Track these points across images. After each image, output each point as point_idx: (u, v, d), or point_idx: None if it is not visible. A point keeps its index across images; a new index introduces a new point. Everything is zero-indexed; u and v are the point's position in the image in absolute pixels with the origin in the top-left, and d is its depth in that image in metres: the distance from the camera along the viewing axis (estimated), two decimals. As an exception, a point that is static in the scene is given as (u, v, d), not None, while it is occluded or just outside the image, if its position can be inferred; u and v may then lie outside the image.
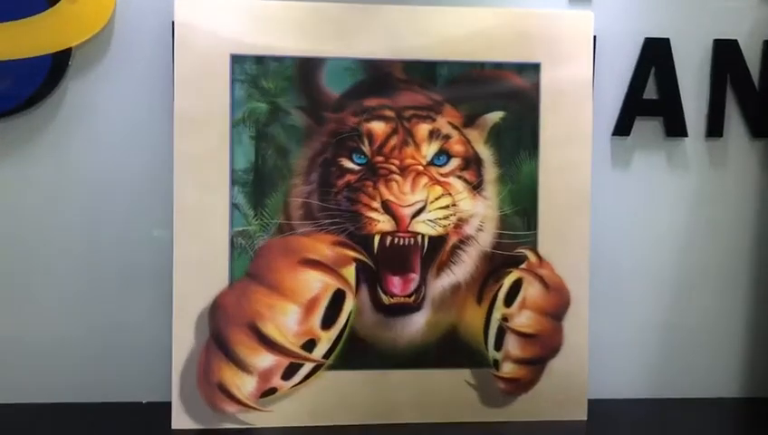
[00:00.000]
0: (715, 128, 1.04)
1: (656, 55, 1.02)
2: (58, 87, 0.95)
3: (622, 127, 1.02)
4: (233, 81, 0.93)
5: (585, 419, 0.99)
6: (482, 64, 0.96)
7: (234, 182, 0.93)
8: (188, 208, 0.93)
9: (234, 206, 0.94)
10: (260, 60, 0.93)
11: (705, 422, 1.01)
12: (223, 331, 0.93)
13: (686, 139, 1.04)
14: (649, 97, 1.02)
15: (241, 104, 0.93)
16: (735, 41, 1.03)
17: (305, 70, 0.93)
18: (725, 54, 1.03)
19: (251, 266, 0.93)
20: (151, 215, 0.98)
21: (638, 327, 1.06)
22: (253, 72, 0.93)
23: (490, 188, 0.97)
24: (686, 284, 1.06)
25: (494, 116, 0.96)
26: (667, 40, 1.01)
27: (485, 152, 0.96)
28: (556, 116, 0.97)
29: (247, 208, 0.93)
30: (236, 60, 0.93)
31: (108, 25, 0.95)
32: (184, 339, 0.93)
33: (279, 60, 0.93)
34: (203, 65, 0.93)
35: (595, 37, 0.99)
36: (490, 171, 0.97)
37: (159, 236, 0.97)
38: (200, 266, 0.93)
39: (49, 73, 0.94)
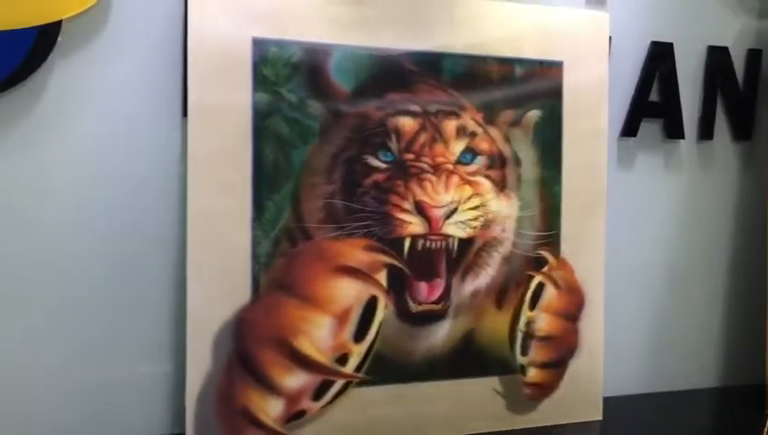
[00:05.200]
0: (706, 131, 1.08)
1: (660, 59, 1.04)
2: (42, 67, 0.79)
3: (630, 128, 1.04)
4: (255, 66, 0.83)
5: (600, 418, 0.99)
6: (502, 60, 0.93)
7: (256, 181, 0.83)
8: (204, 211, 0.81)
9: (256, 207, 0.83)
10: (257, 44, 0.82)
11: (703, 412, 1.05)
12: (250, 349, 0.83)
13: (681, 141, 1.07)
14: (653, 99, 1.04)
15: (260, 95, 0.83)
16: (726, 48, 1.07)
17: (311, 58, 0.84)
18: (717, 60, 1.07)
19: (280, 277, 0.84)
20: (157, 222, 0.85)
21: (631, 324, 1.08)
22: (272, 58, 0.83)
23: (513, 188, 0.94)
24: (677, 279, 1.09)
25: (517, 114, 0.93)
26: (671, 44, 1.04)
27: (508, 151, 0.93)
28: (577, 115, 0.96)
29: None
30: (257, 44, 0.83)
31: (104, -3, 0.81)
32: (200, 361, 0.81)
33: (278, 44, 0.83)
34: (222, 49, 0.82)
35: (610, 38, 0.99)
36: (513, 170, 0.94)
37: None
38: (217, 277, 0.82)
39: (32, 50, 0.79)
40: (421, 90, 0.89)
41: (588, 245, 0.98)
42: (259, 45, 0.83)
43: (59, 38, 0.80)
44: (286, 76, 0.84)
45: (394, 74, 0.88)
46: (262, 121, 0.83)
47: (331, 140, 0.86)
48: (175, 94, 0.84)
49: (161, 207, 0.85)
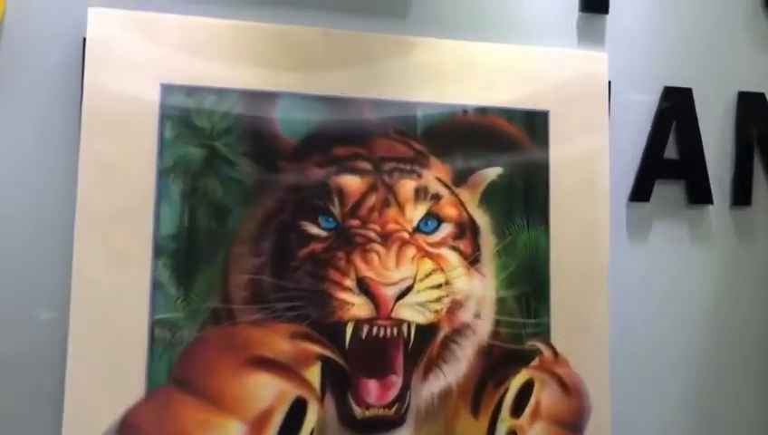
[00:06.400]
0: (742, 194, 0.89)
1: (677, 107, 0.87)
2: None
3: (641, 191, 0.86)
4: (162, 117, 0.71)
5: None
6: (478, 109, 0.79)
7: (157, 252, 0.70)
8: (92, 286, 0.68)
9: (156, 284, 0.69)
10: (195, 92, 0.72)
11: None
12: (136, 462, 0.66)
13: (709, 206, 0.88)
14: (670, 157, 0.86)
15: (167, 149, 0.72)
16: (762, 94, 0.89)
17: (254, 106, 0.74)
18: (751, 108, 0.89)
19: (177, 369, 0.69)
20: (38, 292, 0.71)
21: (660, 420, 0.86)
22: (187, 107, 0.72)
23: (489, 263, 0.78)
24: (708, 377, 0.88)
25: (492, 172, 0.79)
26: (689, 90, 0.87)
27: (482, 217, 0.78)
28: (568, 174, 0.81)
29: (171, 288, 0.70)
30: (167, 91, 0.71)
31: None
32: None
33: (220, 93, 0.73)
34: (123, 96, 0.71)
35: (610, 83, 0.83)
36: (488, 241, 0.78)
37: (48, 319, 0.70)
38: (105, 368, 0.67)
39: None
40: (377, 143, 0.76)
41: (588, 332, 0.80)
42: (169, 92, 0.71)
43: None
44: (224, 128, 0.73)
45: (348, 124, 0.75)
46: (193, 180, 0.72)
47: (263, 202, 0.73)
48: (73, 148, 0.71)
49: (46, 281, 0.70)
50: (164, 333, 0.69)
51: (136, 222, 0.70)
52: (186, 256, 0.71)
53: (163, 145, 0.71)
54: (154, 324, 0.69)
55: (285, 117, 0.74)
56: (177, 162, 0.72)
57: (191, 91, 0.72)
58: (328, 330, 0.72)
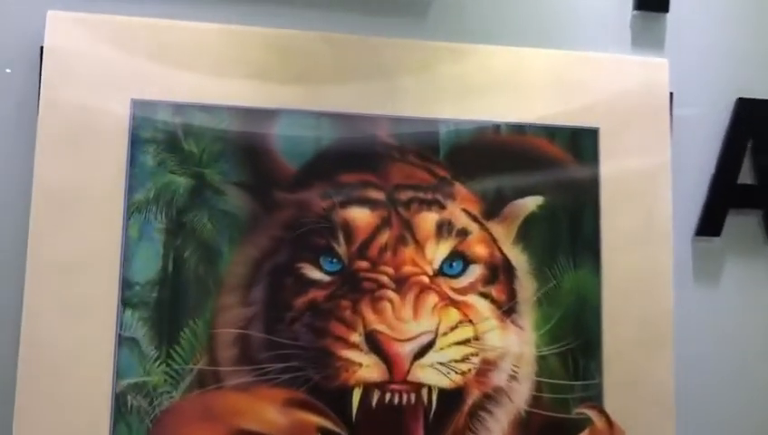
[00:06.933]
0: (835, 227, 0.76)
1: (753, 123, 0.75)
2: None
3: (710, 224, 0.74)
4: (133, 141, 0.62)
5: None
6: (514, 126, 0.69)
7: (126, 303, 0.60)
8: (44, 343, 0.58)
9: (125, 341, 0.60)
10: (179, 110, 0.63)
11: None
12: None
13: (795, 241, 0.76)
14: (744, 182, 0.74)
15: (146, 178, 0.62)
16: None
17: (249, 126, 0.65)
18: None
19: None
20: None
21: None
22: (166, 129, 0.63)
23: (527, 313, 0.67)
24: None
25: (531, 202, 0.69)
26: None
27: (519, 257, 0.68)
28: (623, 203, 0.70)
29: (148, 346, 0.60)
30: (141, 108, 0.62)
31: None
32: None
33: (208, 110, 0.64)
34: (85, 114, 0.61)
35: (671, 94, 0.73)
36: (527, 286, 0.68)
37: None
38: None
39: None
40: (391, 168, 0.66)
41: (649, 396, 0.69)
42: (142, 110, 0.62)
43: None
44: (215, 152, 0.64)
45: (357, 146, 0.66)
46: (178, 216, 0.63)
47: (255, 241, 0.63)
48: (27, 175, 0.61)
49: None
50: (138, 402, 0.60)
51: (100, 265, 0.60)
52: (168, 307, 0.61)
53: (136, 173, 0.62)
54: (125, 391, 0.59)
55: (285, 138, 0.65)
56: (159, 193, 0.62)
57: (178, 109, 0.63)
58: (330, 396, 0.62)
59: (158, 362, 0.60)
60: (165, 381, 0.60)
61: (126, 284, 0.60)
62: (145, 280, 0.61)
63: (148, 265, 0.61)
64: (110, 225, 0.60)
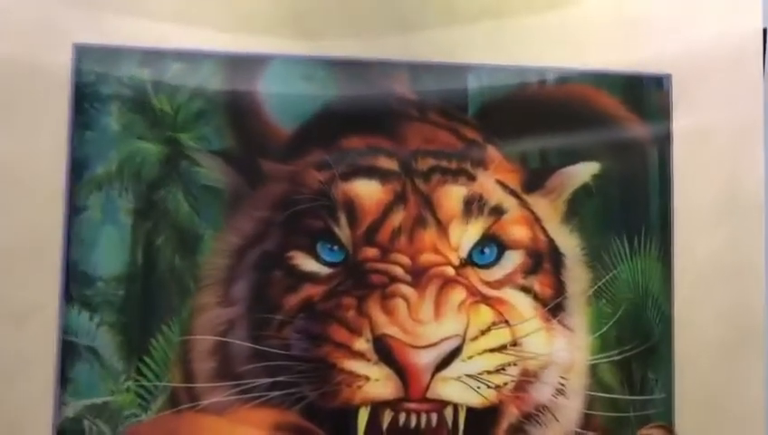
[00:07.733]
0: None
1: None
2: None
3: None
4: (91, 98, 0.53)
5: None
6: (561, 76, 0.60)
7: (84, 304, 0.52)
8: None
9: (83, 351, 0.52)
10: (147, 58, 0.55)
11: None
12: None
13: None
14: None
15: (108, 146, 0.54)
16: None
17: (233, 80, 0.57)
18: None
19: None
20: None
21: None
22: (132, 84, 0.55)
23: (579, 311, 0.59)
24: None
25: (583, 170, 0.60)
26: None
27: (568, 240, 0.59)
28: (701, 170, 0.61)
29: (112, 357, 0.52)
30: (87, 56, 0.53)
31: None
32: None
33: (184, 59, 0.56)
34: (17, 65, 0.52)
35: (765, 32, 0.62)
36: (579, 277, 0.59)
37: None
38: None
39: None
40: (407, 130, 0.58)
41: (732, 414, 0.60)
42: (90, 58, 0.54)
43: None
44: (193, 113, 0.56)
45: (365, 102, 0.58)
46: (149, 192, 0.54)
47: (237, 225, 0.55)
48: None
49: None
50: (99, 427, 0.52)
51: (40, 254, 0.51)
52: (137, 308, 0.53)
53: (96, 139, 0.53)
54: (81, 414, 0.51)
55: (276, 93, 0.57)
56: (123, 165, 0.54)
57: (146, 57, 0.54)
58: (330, 418, 0.54)
59: (123, 378, 0.51)
60: (132, 401, 0.52)
61: (85, 280, 0.52)
62: (109, 275, 0.53)
63: (114, 256, 0.53)
64: (52, 204, 0.51)
